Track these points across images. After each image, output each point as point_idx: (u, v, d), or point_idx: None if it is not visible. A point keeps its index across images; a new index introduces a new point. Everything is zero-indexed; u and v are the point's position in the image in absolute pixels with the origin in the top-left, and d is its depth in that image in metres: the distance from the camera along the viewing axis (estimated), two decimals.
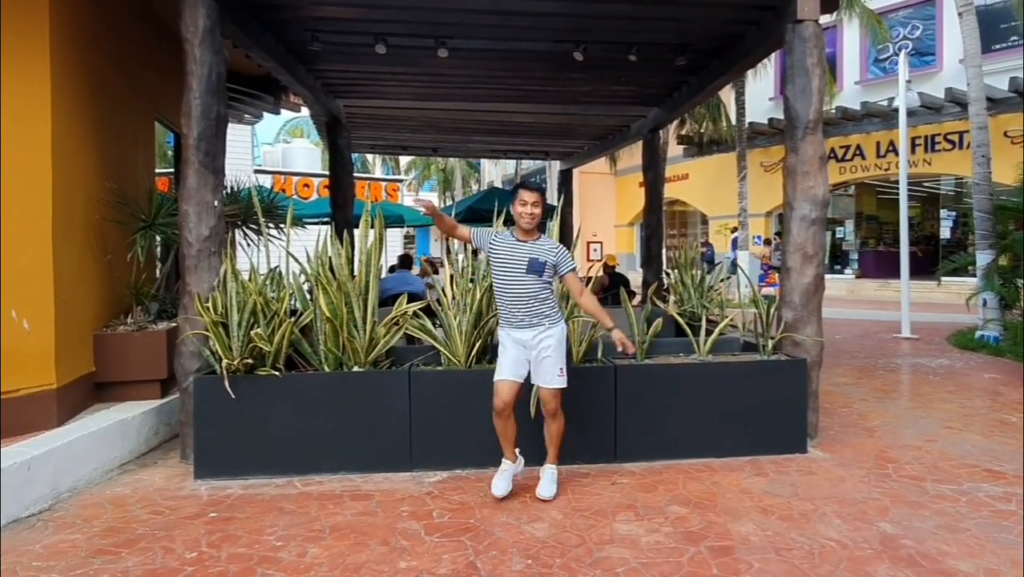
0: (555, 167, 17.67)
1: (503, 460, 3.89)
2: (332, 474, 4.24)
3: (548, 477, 3.92)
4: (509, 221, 4.92)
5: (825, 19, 5.31)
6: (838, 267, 19.00)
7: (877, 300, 15.71)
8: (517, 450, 3.94)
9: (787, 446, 4.61)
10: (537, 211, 3.76)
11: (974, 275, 10.06)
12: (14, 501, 3.59)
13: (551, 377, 3.78)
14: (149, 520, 3.59)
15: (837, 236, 19.36)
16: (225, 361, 4.16)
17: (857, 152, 17.35)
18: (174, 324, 4.95)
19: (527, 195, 3.75)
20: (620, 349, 3.84)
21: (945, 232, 16.79)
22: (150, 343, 4.99)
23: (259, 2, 5.31)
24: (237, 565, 3.07)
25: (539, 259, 3.73)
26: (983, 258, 9.71)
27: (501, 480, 3.84)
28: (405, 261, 9.11)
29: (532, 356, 3.79)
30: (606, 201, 26.17)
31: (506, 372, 3.76)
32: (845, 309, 13.72)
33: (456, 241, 3.92)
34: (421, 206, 3.72)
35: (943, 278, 11.54)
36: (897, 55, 13.40)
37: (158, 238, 5.49)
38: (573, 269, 3.87)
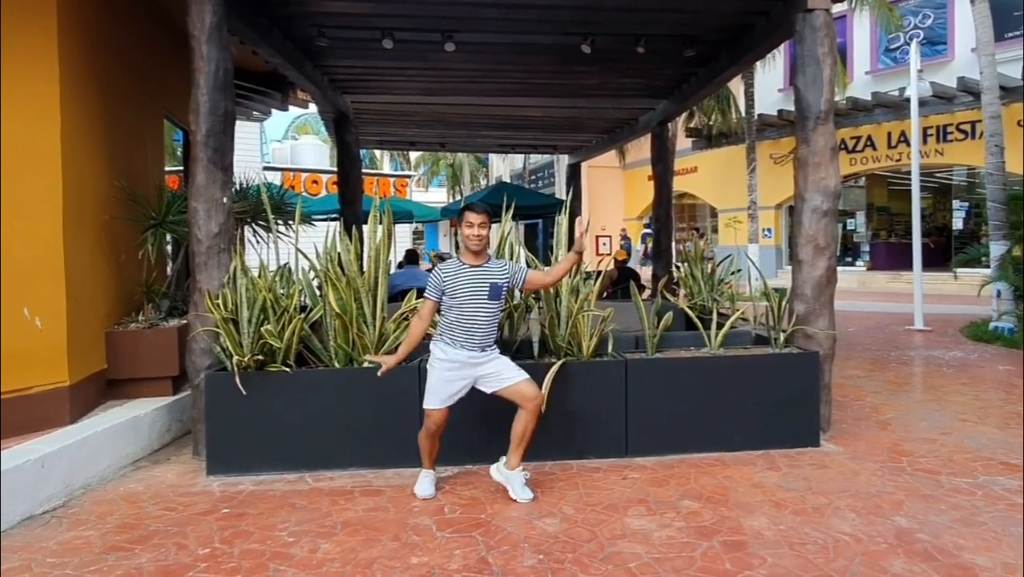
0: (563, 161, 17.62)
1: (424, 470, 3.90)
2: (343, 470, 4.24)
3: (522, 482, 3.78)
4: (516, 217, 4.90)
5: (835, 8, 5.25)
6: (849, 259, 18.88)
7: (889, 292, 15.59)
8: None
9: (800, 440, 4.58)
10: (484, 232, 3.70)
11: (988, 266, 9.96)
12: (28, 498, 3.61)
13: (515, 370, 3.74)
14: (162, 516, 3.61)
15: (848, 228, 19.23)
16: (236, 357, 4.17)
17: (868, 143, 17.21)
18: (185, 321, 4.97)
19: (474, 216, 3.69)
20: (579, 232, 3.78)
21: (958, 223, 16.64)
22: (161, 340, 5.01)
23: None
24: (249, 561, 3.08)
25: (497, 283, 3.73)
26: (997, 249, 9.61)
27: (429, 484, 3.85)
28: (412, 257, 9.10)
29: (478, 372, 3.73)
30: (615, 195, 26.08)
31: (438, 402, 3.71)
32: (857, 301, 13.62)
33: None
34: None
35: (957, 270, 11.42)
36: (908, 44, 13.27)
37: (168, 236, 5.50)
38: (525, 270, 3.90)
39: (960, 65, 15.28)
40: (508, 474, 3.80)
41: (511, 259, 4.50)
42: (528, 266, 5.10)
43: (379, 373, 3.89)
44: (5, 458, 3.64)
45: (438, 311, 3.82)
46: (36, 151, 4.33)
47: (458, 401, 3.77)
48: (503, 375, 3.74)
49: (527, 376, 3.76)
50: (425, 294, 3.81)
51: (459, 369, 3.71)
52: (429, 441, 3.84)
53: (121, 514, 3.65)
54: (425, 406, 3.76)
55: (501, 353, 3.89)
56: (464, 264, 3.74)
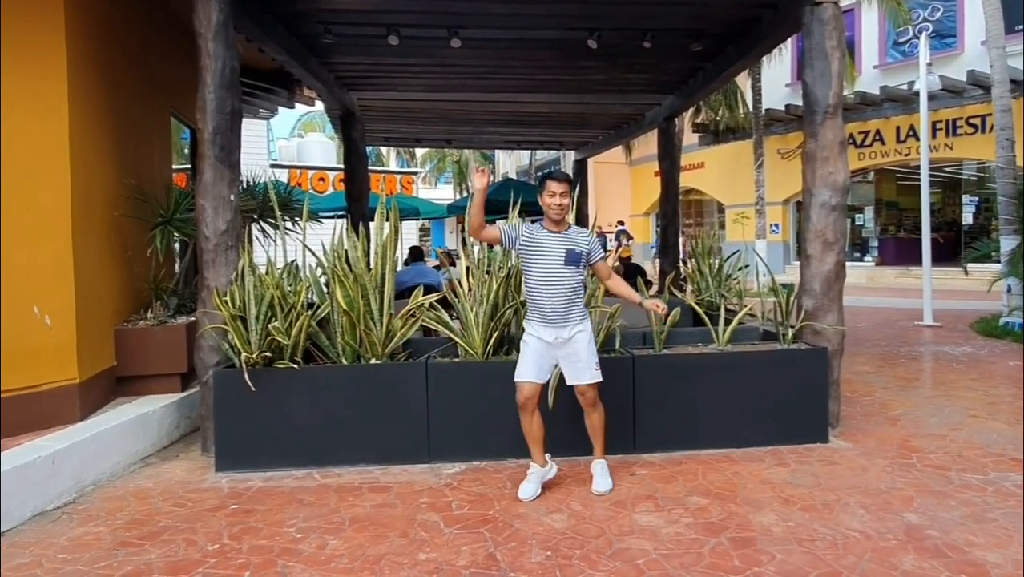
0: (570, 157, 17.59)
1: (532, 464, 3.80)
2: (351, 466, 4.25)
3: (600, 472, 3.86)
4: (523, 213, 4.90)
5: (844, 1, 5.21)
6: (857, 255, 18.77)
7: (898, 288, 15.50)
8: (548, 455, 3.87)
9: (809, 436, 4.56)
10: (566, 201, 3.71)
11: (998, 261, 9.88)
12: (39, 494, 3.64)
13: (588, 373, 3.74)
14: (171, 512, 3.62)
15: (857, 223, 19.12)
16: (244, 354, 4.18)
17: (876, 137, 17.09)
18: (193, 318, 4.99)
19: (555, 185, 3.69)
20: (659, 311, 3.86)
21: (967, 218, 16.51)
22: (170, 337, 5.03)
23: None
24: (258, 557, 3.09)
25: (576, 249, 3.71)
26: (1007, 243, 9.53)
27: (530, 484, 3.74)
28: (417, 254, 9.08)
29: (561, 354, 3.74)
30: (621, 191, 26.01)
31: (529, 374, 3.69)
32: (865, 297, 13.54)
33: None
34: (480, 175, 3.63)
35: (968, 265, 11.34)
36: (917, 38, 13.17)
37: (176, 233, 5.52)
38: (603, 257, 3.87)
39: (970, 58, 15.15)
40: (593, 464, 3.90)
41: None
42: None
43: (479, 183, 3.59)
44: (16, 455, 3.67)
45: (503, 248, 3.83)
46: (44, 149, 4.35)
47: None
48: (573, 369, 3.74)
49: (590, 379, 3.73)
50: (499, 224, 3.85)
51: (547, 349, 3.72)
52: (527, 420, 3.73)
53: (131, 510, 3.67)
54: (515, 379, 3.73)
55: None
56: (547, 231, 3.75)
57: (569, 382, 3.79)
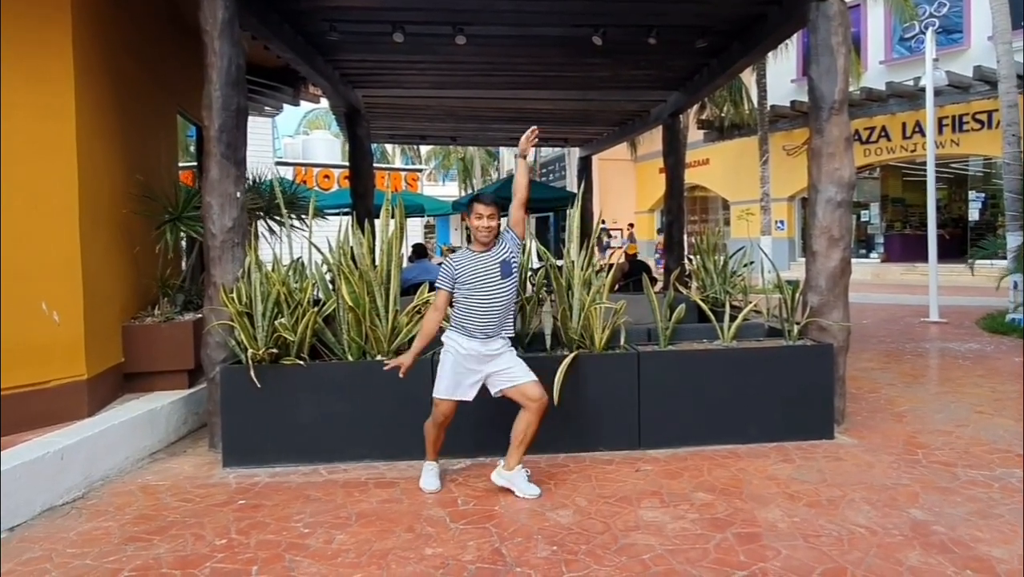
0: (574, 154, 17.57)
1: (428, 461, 3.90)
2: (357, 462, 4.27)
3: (523, 476, 3.75)
4: (527, 210, 4.90)
5: None
6: (863, 251, 18.72)
7: (903, 284, 15.45)
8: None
9: (814, 432, 4.56)
10: (493, 223, 3.69)
11: (1004, 257, 9.85)
12: (49, 489, 3.67)
13: (525, 371, 3.73)
14: (179, 508, 3.65)
15: (862, 220, 19.06)
16: (250, 351, 4.20)
17: (882, 133, 17.03)
18: (200, 315, 5.01)
19: (482, 208, 3.68)
20: (528, 135, 3.79)
21: (974, 214, 16.45)
22: (177, 334, 5.06)
23: None
24: (266, 552, 3.11)
25: (507, 259, 3.73)
26: (1014, 240, 9.51)
27: (434, 477, 3.86)
28: (421, 251, 9.11)
29: (490, 368, 3.71)
30: (626, 188, 25.99)
31: (449, 393, 3.70)
32: (871, 293, 13.51)
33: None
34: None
35: (975, 261, 11.29)
36: (923, 33, 13.08)
37: (183, 231, 5.54)
38: (506, 227, 3.84)
39: (976, 54, 15.08)
40: (509, 475, 3.75)
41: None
42: (539, 258, 5.12)
43: (400, 374, 3.75)
44: (25, 450, 3.71)
45: (450, 304, 3.82)
46: (52, 148, 4.37)
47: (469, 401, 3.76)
48: (512, 373, 3.72)
49: (534, 378, 3.72)
50: (437, 285, 3.79)
51: (473, 362, 3.70)
52: (435, 430, 3.83)
53: (139, 505, 3.70)
54: (435, 395, 3.75)
55: (515, 345, 3.88)
56: (474, 252, 3.76)
57: (503, 389, 3.72)
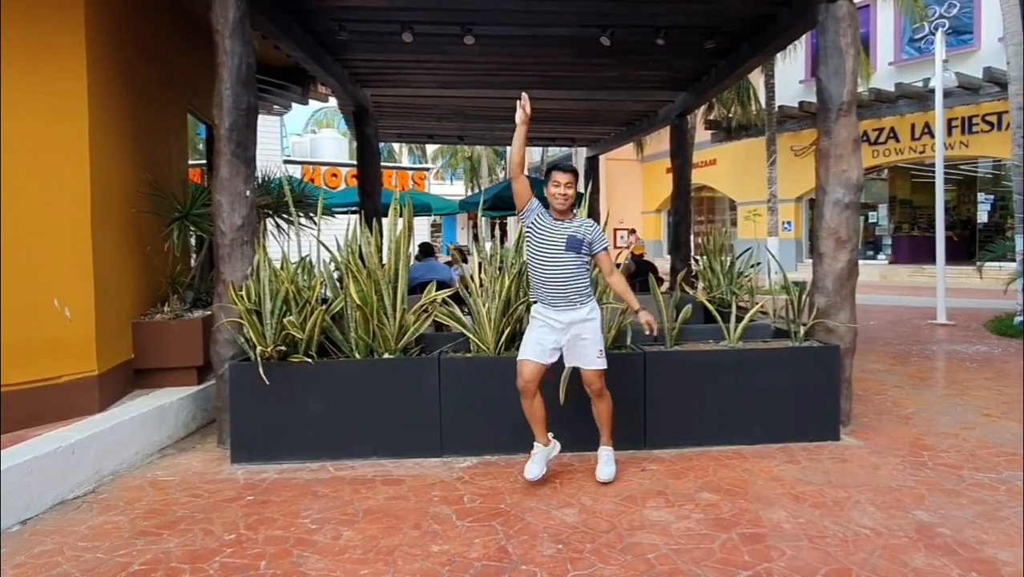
0: (582, 154, 17.57)
1: (535, 444, 3.88)
2: (364, 459, 4.30)
3: (605, 459, 3.95)
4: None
5: None
6: (871, 253, 18.65)
7: (911, 286, 15.40)
8: (550, 434, 3.93)
9: (820, 433, 4.56)
10: (571, 192, 3.79)
11: (1013, 260, 9.80)
12: (60, 484, 3.71)
13: (591, 359, 3.81)
14: (188, 503, 3.69)
15: (870, 221, 18.98)
16: (259, 348, 4.23)
17: (891, 135, 16.96)
18: (209, 312, 5.05)
19: (560, 176, 3.79)
20: (647, 332, 3.85)
21: (983, 216, 16.36)
22: (186, 331, 5.10)
23: None
24: (274, 547, 3.14)
25: (577, 236, 3.77)
26: (1022, 242, 9.45)
27: (534, 464, 3.82)
28: (427, 249, 9.12)
29: (566, 339, 3.80)
30: (633, 188, 25.96)
31: (530, 353, 3.77)
32: (878, 295, 13.47)
33: (483, 229, 3.90)
34: (523, 106, 3.76)
35: (983, 264, 11.24)
36: (933, 34, 13.05)
37: (192, 229, 5.59)
38: (606, 248, 3.91)
39: (986, 55, 15.00)
40: (599, 450, 3.97)
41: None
42: None
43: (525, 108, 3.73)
44: (37, 445, 3.75)
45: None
46: (64, 147, 4.42)
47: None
48: (577, 354, 3.81)
49: (598, 366, 3.81)
50: (533, 197, 3.87)
51: (550, 331, 3.79)
52: (526, 402, 3.81)
53: (149, 500, 3.74)
54: (518, 357, 3.81)
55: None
56: (552, 218, 3.83)
57: (571, 364, 3.86)
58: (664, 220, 24.81)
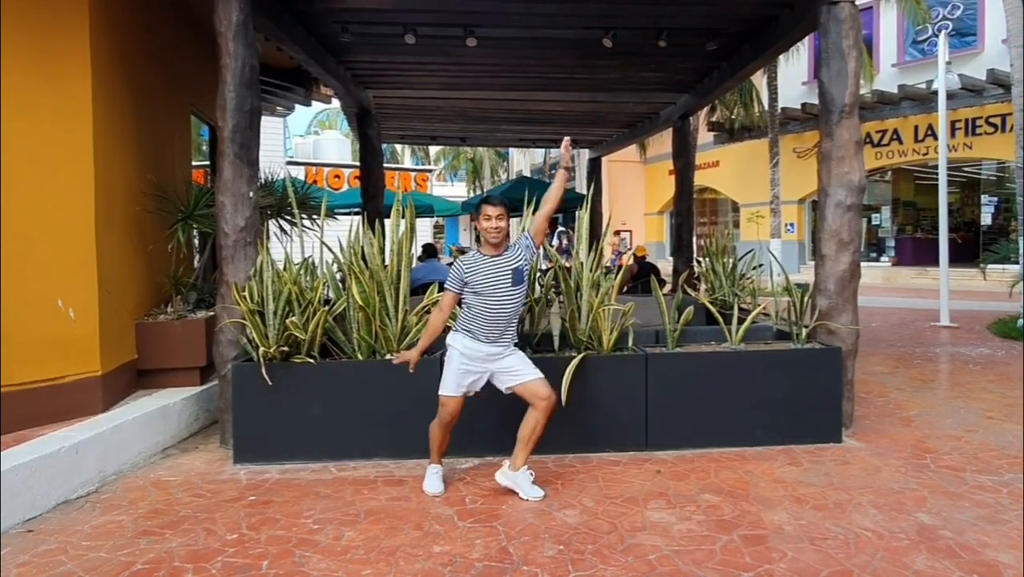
0: (584, 155, 17.58)
1: (431, 464, 3.88)
2: (366, 460, 4.31)
3: (528, 479, 3.75)
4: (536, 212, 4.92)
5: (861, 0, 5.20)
6: (874, 255, 18.63)
7: (914, 288, 15.37)
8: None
9: (822, 435, 4.56)
10: (502, 224, 3.67)
11: (1016, 262, 9.78)
12: (63, 483, 3.73)
13: (532, 369, 3.74)
14: (191, 503, 3.70)
15: (873, 223, 18.96)
16: (262, 349, 4.25)
17: (894, 136, 16.95)
18: (212, 313, 5.06)
19: (491, 209, 3.68)
20: (564, 150, 3.81)
21: (986, 218, 16.33)
22: (189, 331, 5.12)
23: None
24: (276, 547, 3.15)
25: (519, 267, 3.71)
26: None
27: (438, 481, 3.83)
28: (430, 251, 9.14)
29: (495, 367, 3.72)
30: (636, 189, 25.95)
31: (453, 389, 3.71)
32: (881, 297, 13.45)
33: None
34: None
35: (987, 266, 11.22)
36: (936, 36, 13.02)
37: (195, 229, 5.60)
38: (525, 233, 3.86)
39: (990, 57, 14.98)
40: (514, 475, 3.74)
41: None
42: (547, 257, 5.13)
43: (410, 369, 3.81)
44: (41, 445, 3.77)
45: (459, 304, 3.84)
46: (69, 148, 4.44)
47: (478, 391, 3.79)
48: (518, 371, 3.73)
49: (541, 375, 3.73)
50: (446, 286, 3.78)
51: (478, 363, 3.72)
52: (441, 432, 3.82)
53: (152, 500, 3.75)
54: (440, 392, 3.75)
55: (522, 348, 3.90)
56: (484, 256, 3.72)
57: (508, 386, 3.74)
58: (667, 222, 24.81)
